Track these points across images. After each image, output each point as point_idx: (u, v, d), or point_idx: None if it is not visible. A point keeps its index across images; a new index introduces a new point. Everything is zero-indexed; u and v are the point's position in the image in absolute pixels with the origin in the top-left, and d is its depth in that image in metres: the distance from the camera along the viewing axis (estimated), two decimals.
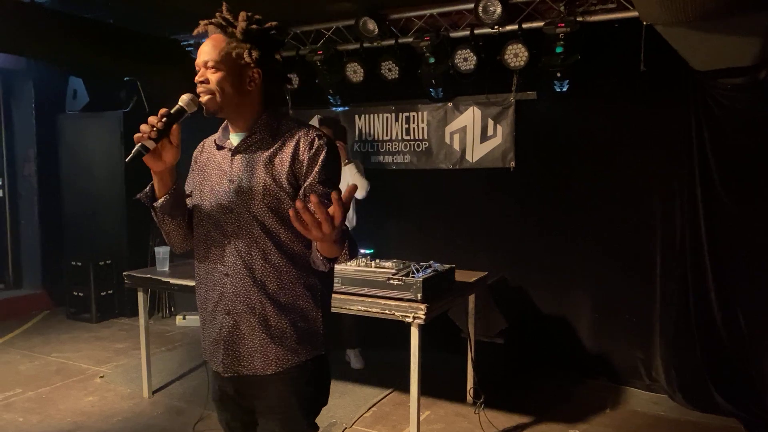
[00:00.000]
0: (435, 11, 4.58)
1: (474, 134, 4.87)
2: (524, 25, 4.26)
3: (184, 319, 6.02)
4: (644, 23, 3.65)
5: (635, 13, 3.73)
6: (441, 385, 4.20)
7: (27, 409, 3.94)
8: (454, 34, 4.54)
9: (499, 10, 4.17)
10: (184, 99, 1.71)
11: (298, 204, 1.39)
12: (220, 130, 1.89)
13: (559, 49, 4.04)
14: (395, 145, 5.25)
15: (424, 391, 3.32)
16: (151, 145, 1.63)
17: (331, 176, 1.75)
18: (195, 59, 1.77)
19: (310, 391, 1.82)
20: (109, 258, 6.20)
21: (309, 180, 1.71)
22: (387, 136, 5.28)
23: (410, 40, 4.60)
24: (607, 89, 4.28)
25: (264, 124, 1.79)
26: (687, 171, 3.97)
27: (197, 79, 1.74)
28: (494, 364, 4.31)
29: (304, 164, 1.72)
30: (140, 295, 4.03)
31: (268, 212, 1.73)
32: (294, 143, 1.75)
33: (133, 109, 6.30)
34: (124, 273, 4.06)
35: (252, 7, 1.84)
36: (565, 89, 4.26)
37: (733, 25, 3.00)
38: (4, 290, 6.73)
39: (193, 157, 1.97)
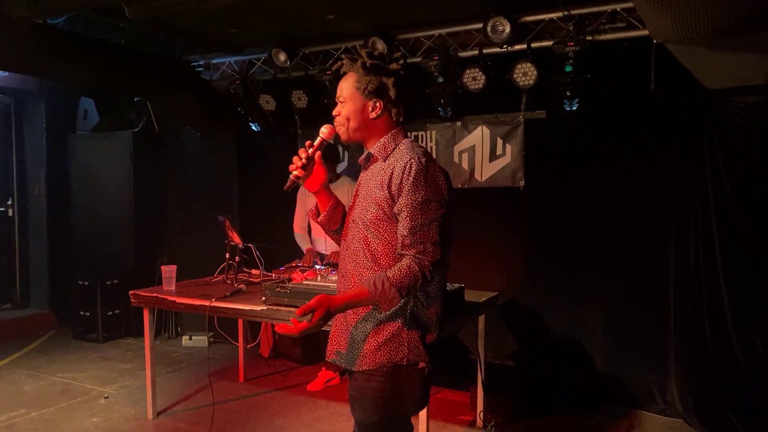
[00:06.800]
0: (443, 31, 4.58)
1: (483, 153, 4.84)
2: (533, 45, 4.24)
3: (190, 339, 5.98)
4: (654, 42, 3.63)
5: (645, 32, 3.72)
6: (450, 408, 4.11)
7: (30, 431, 3.89)
8: (462, 54, 4.53)
9: (507, 29, 4.16)
10: (323, 130, 2.03)
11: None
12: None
13: (568, 68, 4.02)
14: None
15: (433, 414, 3.25)
16: (300, 172, 2.00)
17: (422, 198, 1.83)
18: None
19: (384, 394, 1.91)
20: (116, 277, 6.19)
21: (401, 200, 1.85)
22: None
23: (419, 59, 4.60)
24: (618, 108, 4.24)
25: (380, 147, 2.00)
26: (701, 191, 3.91)
27: (334, 112, 2.01)
28: (505, 387, 4.22)
29: (398, 185, 1.87)
30: (146, 314, 3.99)
31: (371, 226, 1.91)
32: (396, 165, 1.90)
33: (143, 129, 6.34)
34: (130, 291, 4.02)
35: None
36: (574, 108, 4.22)
37: (745, 43, 2.97)
38: (11, 310, 6.72)
39: None
